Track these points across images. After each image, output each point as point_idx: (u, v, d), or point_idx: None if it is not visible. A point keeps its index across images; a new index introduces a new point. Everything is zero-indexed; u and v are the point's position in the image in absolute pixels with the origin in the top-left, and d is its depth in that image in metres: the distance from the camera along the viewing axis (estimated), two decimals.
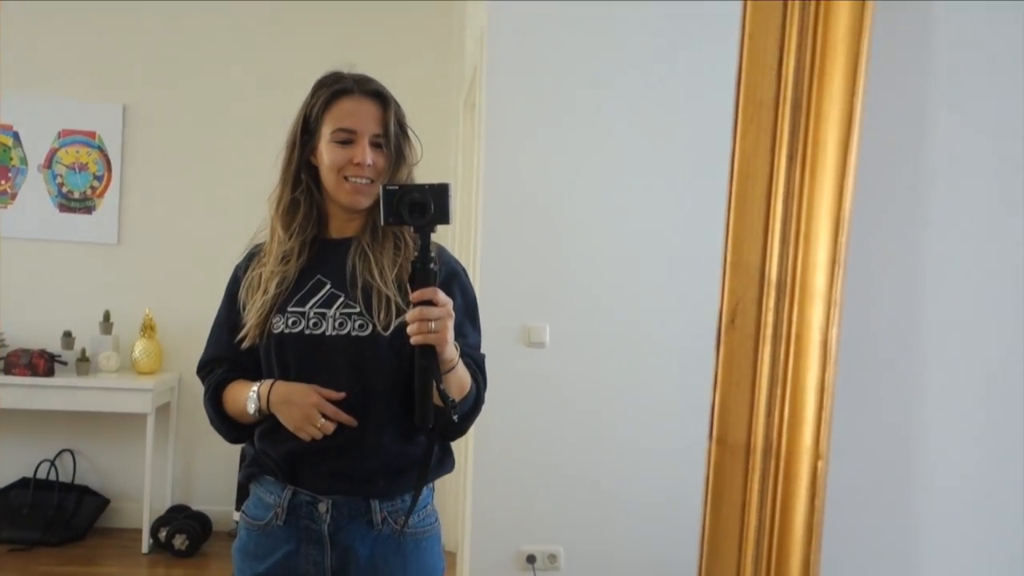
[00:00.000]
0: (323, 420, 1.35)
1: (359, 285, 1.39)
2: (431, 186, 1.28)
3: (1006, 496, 0.86)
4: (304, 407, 1.37)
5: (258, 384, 1.42)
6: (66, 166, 3.96)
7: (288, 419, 1.38)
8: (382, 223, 1.32)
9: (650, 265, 2.79)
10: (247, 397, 1.41)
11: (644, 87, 2.88)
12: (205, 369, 1.51)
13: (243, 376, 1.46)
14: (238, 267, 1.54)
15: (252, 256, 1.51)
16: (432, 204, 1.27)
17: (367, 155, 1.40)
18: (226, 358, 1.49)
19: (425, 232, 1.28)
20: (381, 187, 1.30)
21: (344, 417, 1.37)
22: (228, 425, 1.48)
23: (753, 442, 0.80)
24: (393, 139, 1.42)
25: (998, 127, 0.85)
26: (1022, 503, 0.86)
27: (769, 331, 0.79)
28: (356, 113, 1.42)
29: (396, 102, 1.47)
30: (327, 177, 1.43)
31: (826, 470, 0.78)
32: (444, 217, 1.27)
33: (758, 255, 0.79)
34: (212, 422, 1.50)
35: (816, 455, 0.78)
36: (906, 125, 0.82)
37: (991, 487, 0.85)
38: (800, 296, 0.78)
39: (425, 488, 1.47)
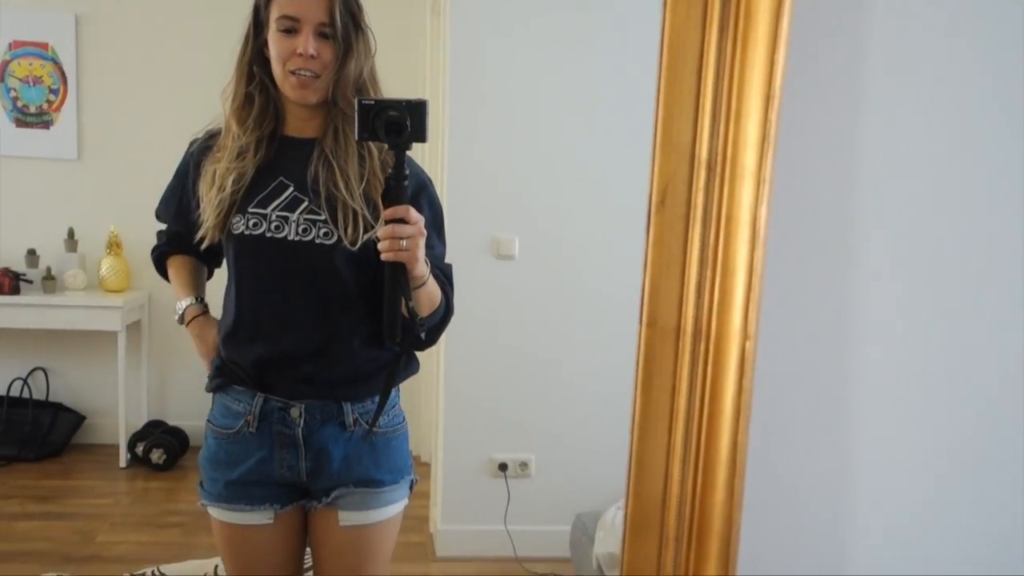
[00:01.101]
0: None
1: (323, 195, 1.37)
2: (408, 102, 1.24)
3: (935, 373, 0.86)
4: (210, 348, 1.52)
5: (187, 301, 1.56)
6: (19, 79, 3.84)
7: (197, 348, 1.56)
8: (356, 138, 1.29)
9: (618, 172, 2.76)
10: (177, 303, 1.58)
11: None
12: (160, 231, 1.64)
13: (186, 248, 1.57)
14: (193, 141, 1.52)
15: (210, 138, 1.48)
16: (409, 121, 1.24)
17: (310, 45, 1.35)
18: (171, 228, 1.59)
19: (400, 149, 1.25)
20: (356, 101, 1.26)
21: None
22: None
23: (683, 324, 0.79)
24: (340, 28, 1.36)
25: (938, 4, 0.82)
26: (951, 380, 0.86)
27: (699, 211, 0.77)
28: (300, 0, 1.36)
29: None
30: (275, 70, 1.39)
31: (754, 351, 0.78)
32: (421, 135, 1.25)
33: (688, 133, 0.76)
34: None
35: (744, 336, 0.78)
36: None
37: (921, 365, 0.85)
38: (730, 175, 0.76)
39: (392, 390, 1.48)
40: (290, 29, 1.35)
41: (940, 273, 0.84)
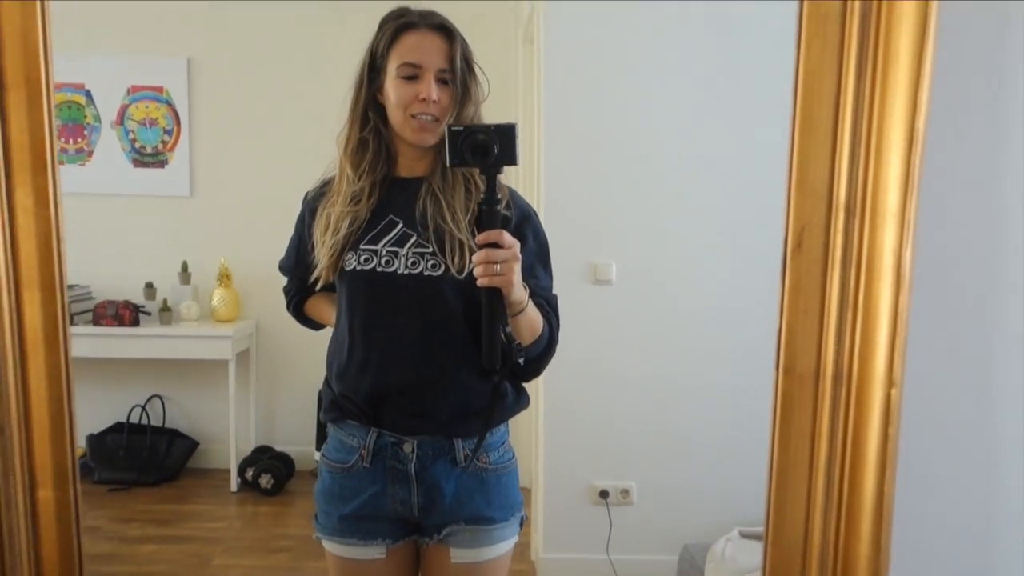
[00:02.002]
0: None
1: (431, 228, 1.40)
2: (496, 126, 1.26)
3: None
4: None
5: None
6: (137, 122, 4.06)
7: None
8: (448, 164, 1.31)
9: (715, 195, 2.73)
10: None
11: (706, 11, 2.77)
12: (286, 286, 1.69)
13: (312, 292, 1.60)
14: (308, 193, 1.57)
15: (324, 185, 1.53)
16: (497, 144, 1.25)
17: (432, 91, 1.39)
18: (296, 276, 1.63)
19: (491, 173, 1.27)
20: (446, 127, 1.29)
21: None
22: (318, 326, 1.67)
23: (822, 370, 0.77)
24: (459, 74, 1.40)
25: None
26: None
27: (838, 254, 0.75)
28: (421, 47, 1.40)
29: (462, 36, 1.44)
30: (393, 115, 1.43)
31: (900, 399, 0.75)
32: (511, 158, 1.26)
33: (825, 175, 0.75)
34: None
35: (889, 383, 0.75)
36: (987, 30, 0.76)
37: None
38: (871, 217, 0.74)
39: (502, 425, 1.49)
40: (411, 76, 1.39)
41: None
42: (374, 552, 1.47)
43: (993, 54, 0.77)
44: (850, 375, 0.77)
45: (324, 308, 1.62)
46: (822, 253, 0.76)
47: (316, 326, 1.67)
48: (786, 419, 0.78)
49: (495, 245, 1.25)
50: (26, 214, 0.74)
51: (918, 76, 0.72)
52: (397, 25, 1.43)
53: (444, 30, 1.42)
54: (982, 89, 0.77)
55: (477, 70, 1.44)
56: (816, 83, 0.75)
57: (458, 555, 1.46)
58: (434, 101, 1.38)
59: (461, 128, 1.27)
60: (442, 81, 1.40)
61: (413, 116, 1.40)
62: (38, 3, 0.80)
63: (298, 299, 1.65)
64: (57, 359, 0.75)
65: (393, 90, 1.41)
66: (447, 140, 1.27)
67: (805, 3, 0.74)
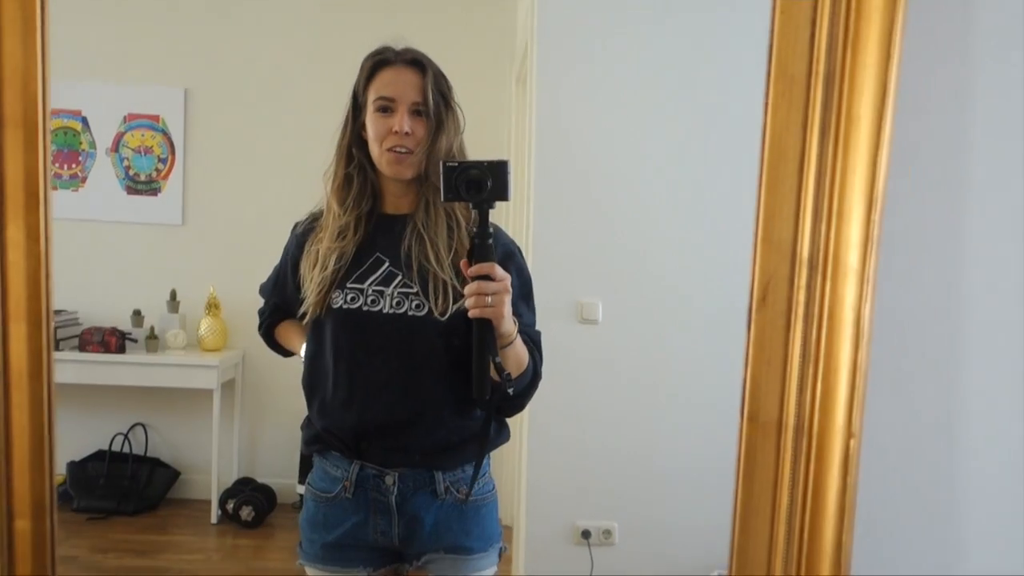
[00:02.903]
0: None
1: (415, 268, 1.43)
2: (489, 163, 1.30)
3: None
4: None
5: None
6: (132, 149, 4.09)
7: None
8: (442, 199, 1.35)
9: (703, 238, 2.77)
10: (303, 352, 1.62)
11: (699, 60, 2.84)
12: (261, 308, 1.73)
13: (289, 316, 1.66)
14: (297, 224, 1.61)
15: (313, 220, 1.56)
16: (490, 180, 1.29)
17: (405, 123, 1.43)
18: (272, 301, 1.69)
19: (483, 208, 1.30)
20: (441, 164, 1.33)
21: None
22: (284, 351, 1.71)
23: (785, 420, 0.79)
24: (433, 107, 1.44)
25: None
26: None
27: (801, 309, 0.78)
28: (395, 82, 1.46)
29: (437, 70, 1.48)
30: (372, 149, 1.48)
31: (858, 449, 0.78)
32: (503, 193, 1.30)
33: (790, 232, 0.78)
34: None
35: (848, 434, 0.78)
36: (945, 96, 0.80)
37: None
38: (832, 274, 0.77)
39: (484, 457, 1.51)
40: (386, 108, 1.45)
41: None
42: None
43: (953, 118, 0.81)
44: (811, 425, 0.79)
45: (292, 336, 1.67)
46: (785, 307, 0.78)
47: (283, 352, 1.71)
48: (749, 466, 0.80)
49: (487, 277, 1.28)
50: (16, 249, 0.76)
51: (878, 139, 0.75)
52: (374, 62, 1.49)
53: (417, 64, 1.47)
54: (941, 152, 0.80)
55: (454, 104, 1.48)
56: (781, 143, 0.78)
57: None
58: (407, 133, 1.43)
59: (456, 164, 1.31)
60: (416, 113, 1.44)
61: (388, 149, 1.44)
62: (38, 40, 0.83)
63: (270, 322, 1.70)
64: (40, 391, 0.77)
65: (370, 124, 1.46)
66: (441, 175, 1.31)
67: (773, 65, 0.77)
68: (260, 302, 1.73)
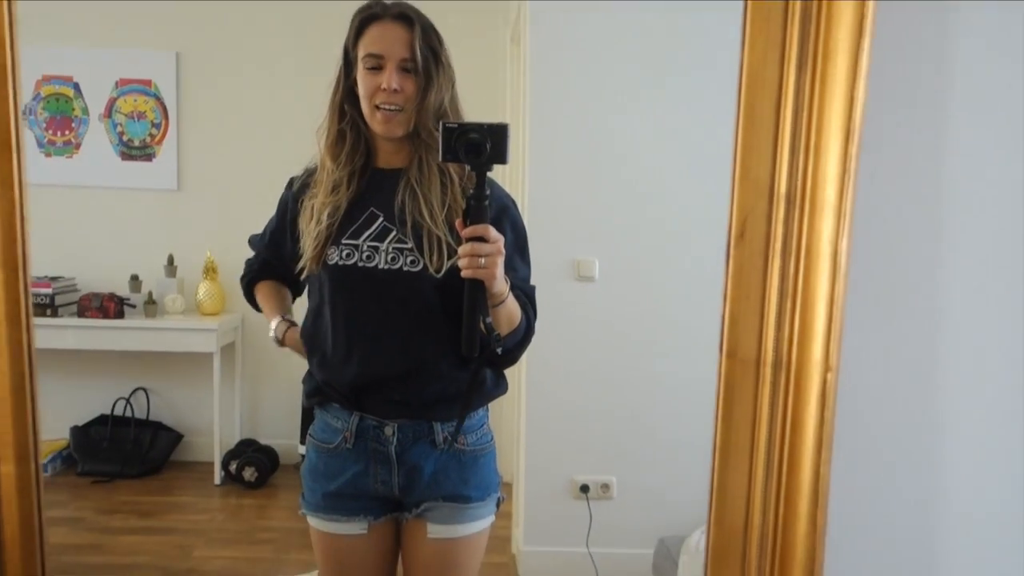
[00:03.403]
0: None
1: (409, 223, 1.43)
2: (489, 125, 1.29)
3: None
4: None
5: (277, 320, 1.64)
6: (125, 115, 4.07)
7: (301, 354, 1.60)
8: (440, 160, 1.34)
9: (699, 194, 2.76)
10: (270, 324, 1.65)
11: (690, 12, 2.81)
12: (250, 260, 1.73)
13: (274, 275, 1.68)
14: (293, 179, 1.60)
15: (309, 175, 1.56)
16: (489, 143, 1.28)
17: (393, 80, 1.42)
18: (261, 255, 1.69)
19: (481, 171, 1.30)
20: (441, 124, 1.32)
21: None
22: (258, 309, 1.71)
23: (763, 356, 0.80)
24: (422, 63, 1.42)
25: None
26: None
27: (779, 244, 0.78)
28: (383, 38, 1.44)
29: (427, 23, 1.46)
30: (363, 106, 1.47)
31: (836, 383, 0.78)
32: (501, 157, 1.29)
33: (767, 167, 0.78)
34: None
35: (826, 368, 0.78)
36: (924, 26, 0.79)
37: (1007, 393, 0.84)
38: (810, 209, 0.77)
39: (481, 409, 1.53)
40: (375, 66, 1.43)
41: None
42: (356, 528, 1.53)
43: (930, 49, 0.80)
44: (789, 360, 0.80)
45: (269, 301, 1.69)
46: (763, 243, 0.79)
47: (257, 307, 1.72)
48: (729, 402, 0.81)
49: (481, 239, 1.28)
50: None
51: (855, 71, 0.75)
52: (362, 18, 1.47)
53: (406, 19, 1.45)
54: (919, 83, 0.80)
55: (445, 58, 1.47)
56: (759, 78, 0.78)
57: (434, 530, 1.51)
58: (396, 90, 1.42)
59: (456, 125, 1.31)
60: (405, 70, 1.43)
61: (378, 107, 1.43)
62: None
63: (254, 277, 1.71)
64: (19, 336, 0.78)
65: (360, 81, 1.45)
66: (440, 136, 1.30)
67: (749, 3, 0.77)
68: None
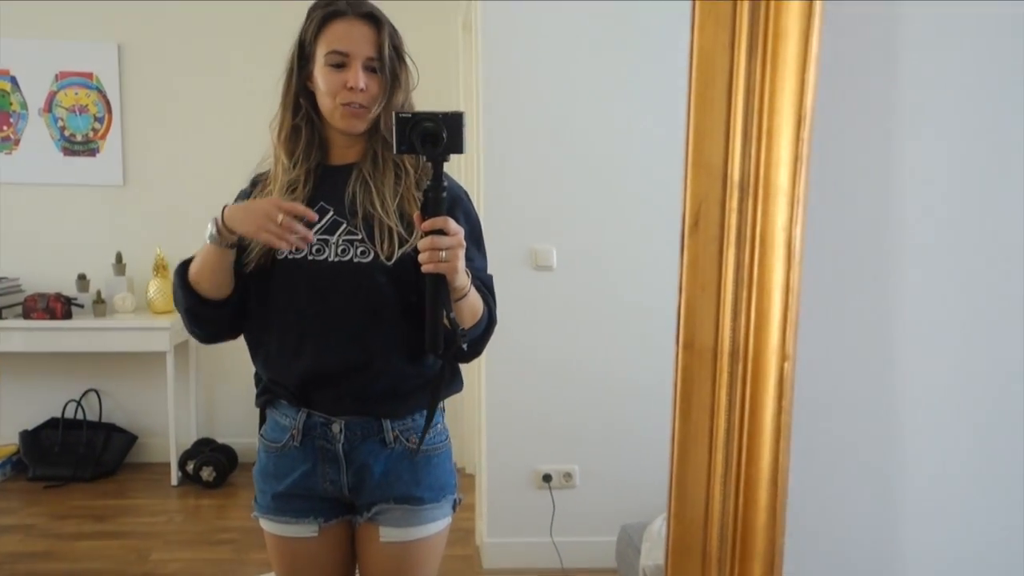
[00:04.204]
0: (283, 217, 1.31)
1: (359, 215, 1.40)
2: (444, 115, 1.26)
3: (977, 388, 0.85)
4: (263, 206, 1.35)
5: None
6: (66, 109, 3.95)
7: (248, 224, 1.35)
8: (394, 151, 1.31)
9: (655, 181, 2.75)
10: (206, 232, 1.39)
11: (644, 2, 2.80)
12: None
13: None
14: (242, 192, 1.55)
15: (256, 183, 1.52)
16: (445, 133, 1.25)
17: (360, 79, 1.40)
18: None
19: (438, 161, 1.27)
20: (394, 115, 1.29)
21: (301, 209, 1.33)
22: (191, 298, 1.44)
23: (720, 345, 0.79)
24: (388, 63, 1.41)
25: (977, 18, 0.81)
26: (993, 395, 0.85)
27: (733, 232, 0.77)
28: (349, 35, 1.41)
29: (391, 25, 1.46)
30: (323, 102, 1.44)
31: (793, 371, 0.78)
32: (458, 146, 1.26)
33: (720, 154, 0.76)
34: (179, 304, 1.47)
35: (783, 357, 0.77)
36: (874, 11, 0.78)
37: (962, 378, 0.84)
38: (763, 195, 0.76)
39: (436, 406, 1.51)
40: (339, 64, 1.40)
41: (979, 288, 0.83)
42: (307, 530, 1.49)
43: (880, 32, 0.79)
44: (746, 349, 0.79)
45: (208, 273, 1.44)
46: (718, 231, 0.77)
47: (188, 294, 1.46)
48: (687, 393, 0.80)
49: (441, 232, 1.26)
50: None
51: (805, 55, 0.74)
52: (325, 13, 1.43)
53: (372, 18, 1.43)
54: (870, 67, 0.79)
55: (407, 59, 1.45)
56: (710, 63, 0.76)
57: (387, 534, 1.48)
58: (361, 89, 1.39)
59: (409, 115, 1.27)
60: (370, 69, 1.41)
61: (343, 104, 1.40)
62: None
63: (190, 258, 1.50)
64: None
65: (322, 78, 1.41)
66: (395, 126, 1.27)
67: None
68: None
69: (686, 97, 0.77)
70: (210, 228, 1.39)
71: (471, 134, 3.00)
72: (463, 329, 1.35)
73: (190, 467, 3.76)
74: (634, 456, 2.92)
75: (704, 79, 0.76)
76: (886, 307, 0.83)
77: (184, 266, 1.47)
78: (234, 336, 1.54)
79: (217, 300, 1.45)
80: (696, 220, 0.76)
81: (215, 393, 4.12)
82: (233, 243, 1.40)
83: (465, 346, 1.37)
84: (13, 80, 3.93)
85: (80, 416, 3.94)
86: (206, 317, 1.47)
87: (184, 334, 3.93)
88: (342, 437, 1.45)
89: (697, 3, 0.75)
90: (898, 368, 0.84)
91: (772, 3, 0.73)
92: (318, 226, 1.43)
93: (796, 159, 0.74)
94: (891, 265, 0.83)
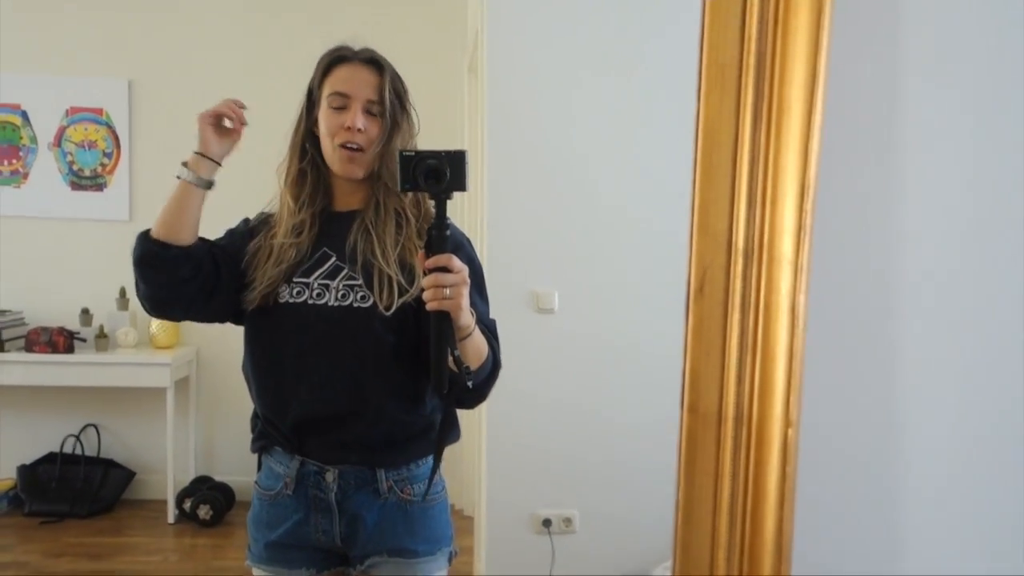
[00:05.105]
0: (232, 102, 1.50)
1: (359, 262, 1.42)
2: (447, 152, 1.28)
3: (985, 455, 0.84)
4: (218, 107, 1.52)
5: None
6: (75, 144, 3.99)
7: (208, 128, 1.51)
8: (399, 188, 1.32)
9: (658, 225, 2.77)
10: (177, 175, 1.50)
11: (648, 48, 2.83)
12: None
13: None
14: (247, 219, 1.57)
15: (264, 221, 1.54)
16: (448, 170, 1.27)
17: (359, 119, 1.43)
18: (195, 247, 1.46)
19: (441, 199, 1.28)
20: (398, 152, 1.31)
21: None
22: (147, 243, 1.41)
23: (724, 411, 0.79)
24: (388, 106, 1.44)
25: (973, 92, 0.82)
26: (1002, 464, 0.85)
27: (737, 298, 0.77)
28: (351, 78, 1.45)
29: (394, 71, 1.49)
30: (324, 145, 1.47)
31: (797, 438, 0.78)
32: (461, 184, 1.28)
33: (725, 221, 0.77)
34: (134, 258, 1.43)
35: (787, 423, 0.77)
36: (875, 86, 0.80)
37: (969, 447, 0.84)
38: (768, 262, 0.76)
39: (429, 457, 1.50)
40: (340, 106, 1.44)
41: (983, 351, 0.83)
42: None
43: (884, 104, 0.81)
44: (751, 415, 0.79)
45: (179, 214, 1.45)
46: (723, 297, 0.78)
47: (144, 242, 1.42)
48: (691, 457, 0.80)
49: (444, 269, 1.26)
50: None
51: (809, 125, 0.75)
52: (331, 59, 1.48)
53: (374, 63, 1.47)
54: (873, 138, 0.80)
55: (409, 105, 1.48)
56: (715, 131, 0.77)
57: None
58: (359, 130, 1.42)
59: (413, 153, 1.29)
60: (370, 112, 1.43)
61: (341, 145, 1.42)
62: None
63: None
64: None
65: (323, 120, 1.45)
66: (399, 164, 1.29)
67: (704, 53, 0.77)
68: None
69: (691, 163, 0.78)
70: (182, 170, 1.48)
71: (475, 176, 3.02)
72: (468, 367, 1.34)
73: (187, 505, 3.73)
74: (635, 503, 2.89)
75: (709, 146, 0.77)
76: (890, 372, 0.83)
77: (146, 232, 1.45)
78: (184, 310, 1.48)
79: (175, 244, 1.41)
80: (701, 285, 0.77)
81: (214, 431, 4.10)
82: (204, 182, 1.48)
83: (470, 384, 1.36)
84: (24, 115, 3.97)
85: (79, 451, 3.92)
86: (158, 264, 1.41)
87: (185, 369, 3.93)
88: (335, 486, 1.45)
89: (703, 72, 0.76)
90: (903, 434, 0.84)
91: (776, 74, 0.74)
92: (320, 271, 1.44)
93: (800, 227, 0.75)
94: (894, 331, 0.83)
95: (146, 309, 1.48)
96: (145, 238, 1.43)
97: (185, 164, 1.47)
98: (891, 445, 0.84)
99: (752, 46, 0.74)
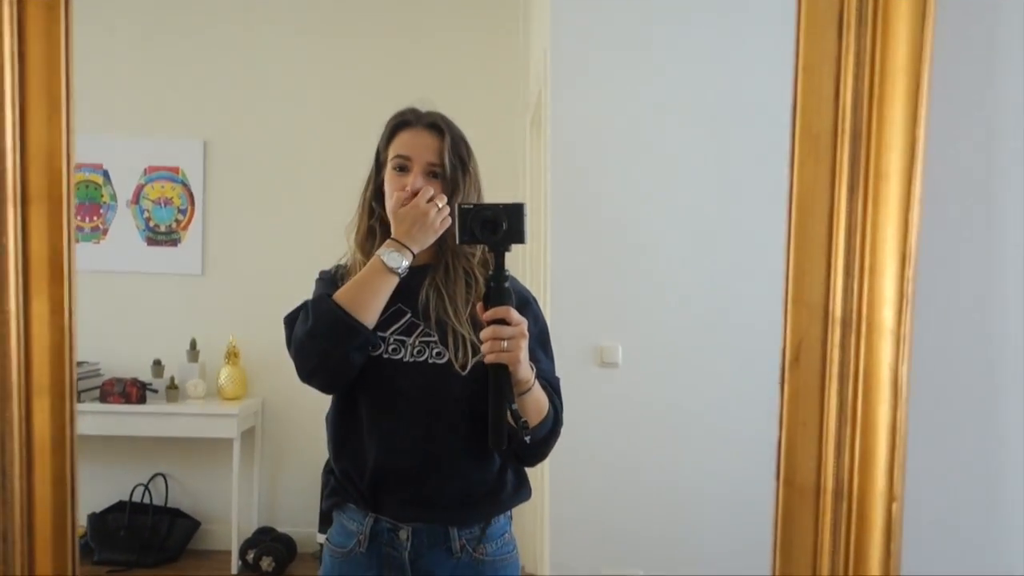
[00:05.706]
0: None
1: (433, 319, 1.43)
2: (505, 205, 1.29)
3: None
4: (413, 212, 1.41)
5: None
6: (152, 201, 4.14)
7: (417, 230, 1.41)
8: (457, 242, 1.34)
9: (725, 279, 2.74)
10: (381, 255, 1.40)
11: (715, 99, 2.84)
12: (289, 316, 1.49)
13: None
14: (324, 271, 1.59)
15: (343, 277, 1.56)
16: (505, 222, 1.28)
17: (417, 181, 1.45)
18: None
19: (499, 251, 1.29)
20: (456, 206, 1.32)
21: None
22: (344, 326, 1.39)
23: (823, 484, 0.77)
24: (449, 169, 1.45)
25: None
26: None
27: (835, 369, 0.76)
28: (413, 142, 1.48)
29: (457, 134, 1.51)
30: (388, 206, 1.49)
31: (901, 513, 0.75)
32: (519, 236, 1.29)
33: (821, 291, 0.76)
34: (321, 339, 1.40)
35: (890, 497, 0.75)
36: (974, 154, 0.79)
37: None
38: (867, 332, 0.75)
39: (502, 516, 1.49)
40: (403, 167, 1.47)
41: None
42: None
43: (983, 170, 0.79)
44: (851, 489, 0.77)
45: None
46: (819, 367, 0.77)
47: (338, 324, 1.40)
48: (787, 531, 0.78)
49: (503, 322, 1.27)
50: (41, 323, 0.76)
51: (908, 195, 0.74)
52: (395, 123, 1.52)
53: (437, 128, 1.50)
54: (973, 208, 0.79)
55: (472, 168, 1.50)
56: (809, 201, 0.77)
57: None
58: (415, 192, 1.44)
59: (471, 206, 1.31)
60: (431, 175, 1.46)
61: (400, 206, 1.45)
62: (63, 118, 0.84)
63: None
64: (63, 466, 0.76)
65: (387, 182, 1.49)
66: (456, 217, 1.31)
67: (797, 123, 0.77)
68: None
69: (785, 232, 0.78)
70: (386, 252, 1.40)
71: (537, 230, 3.04)
72: (525, 422, 1.33)
73: (250, 556, 3.75)
74: (702, 562, 2.82)
75: (803, 216, 0.77)
76: (996, 445, 0.81)
77: (318, 306, 1.43)
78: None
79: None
80: (796, 355, 0.76)
81: (278, 481, 4.14)
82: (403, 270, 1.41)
83: (528, 439, 1.34)
84: (105, 174, 4.15)
85: (147, 500, 3.98)
86: (365, 347, 1.42)
87: (252, 420, 3.99)
88: (409, 544, 1.44)
89: (796, 141, 0.76)
90: (1012, 511, 0.81)
91: (873, 143, 0.74)
92: (395, 326, 1.46)
93: (901, 297, 0.74)
94: (1000, 403, 0.80)
95: (324, 385, 1.47)
96: (359, 327, 1.41)
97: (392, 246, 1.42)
98: (999, 522, 0.81)
99: (847, 114, 0.74)
